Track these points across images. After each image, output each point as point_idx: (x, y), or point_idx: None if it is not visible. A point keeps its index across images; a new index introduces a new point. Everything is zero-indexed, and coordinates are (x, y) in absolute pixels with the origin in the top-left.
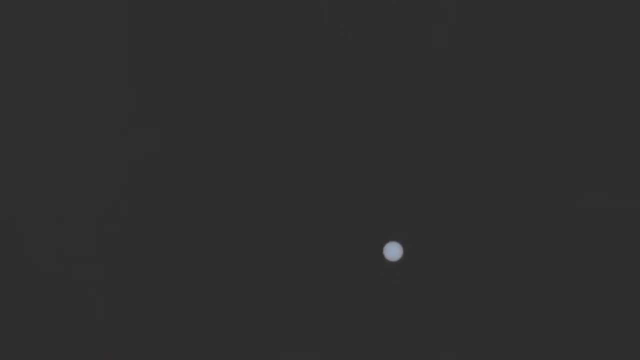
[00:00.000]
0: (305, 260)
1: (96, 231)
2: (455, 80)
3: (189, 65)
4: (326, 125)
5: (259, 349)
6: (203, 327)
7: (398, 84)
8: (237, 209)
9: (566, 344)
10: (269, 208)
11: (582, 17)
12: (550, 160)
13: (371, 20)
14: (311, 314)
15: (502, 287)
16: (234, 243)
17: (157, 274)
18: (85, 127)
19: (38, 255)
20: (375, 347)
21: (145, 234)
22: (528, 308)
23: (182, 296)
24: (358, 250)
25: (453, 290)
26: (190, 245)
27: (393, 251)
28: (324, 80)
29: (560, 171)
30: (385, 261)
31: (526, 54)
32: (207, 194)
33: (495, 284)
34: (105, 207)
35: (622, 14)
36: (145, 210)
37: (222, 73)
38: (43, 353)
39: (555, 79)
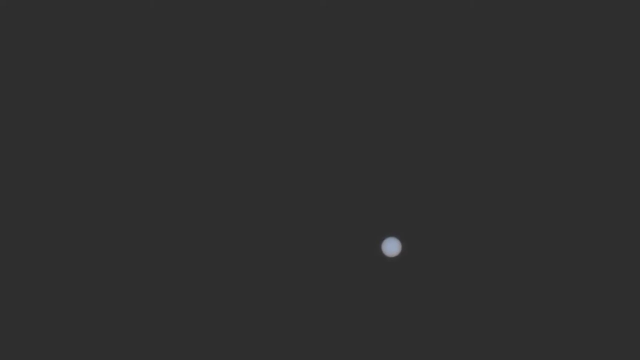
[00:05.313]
0: (304, 255)
1: (96, 231)
2: (453, 78)
3: (188, 65)
4: (325, 123)
5: (257, 347)
6: (202, 327)
7: (397, 81)
8: (234, 207)
9: (565, 342)
10: (267, 204)
11: (582, 17)
12: (547, 158)
13: (371, 19)
14: (309, 309)
15: (499, 281)
16: (230, 242)
17: (157, 274)
18: (85, 127)
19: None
20: (374, 342)
21: (144, 233)
22: (526, 305)
23: (182, 296)
24: (356, 245)
25: (451, 286)
26: (190, 239)
27: (391, 247)
28: (323, 78)
29: (557, 169)
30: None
31: (527, 54)
32: (207, 187)
33: (493, 278)
34: (105, 207)
35: (622, 14)
36: (144, 210)
37: (222, 73)
38: (43, 353)
39: (554, 80)
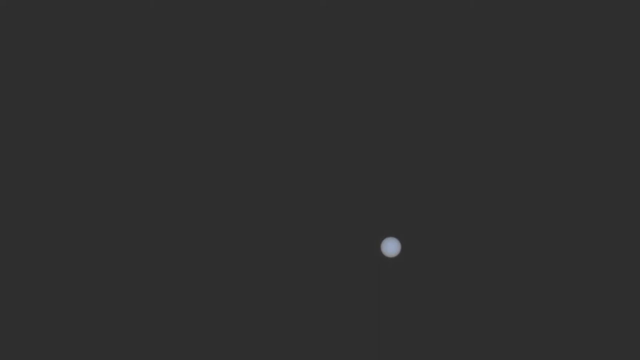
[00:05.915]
0: (304, 255)
1: (96, 231)
2: (453, 79)
3: (188, 65)
4: (325, 124)
5: (257, 347)
6: (202, 326)
7: (397, 82)
8: (234, 207)
9: (564, 342)
10: (268, 205)
11: (582, 18)
12: (545, 159)
13: (370, 20)
14: (309, 309)
15: (499, 281)
16: (230, 242)
17: (157, 274)
18: (85, 127)
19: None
20: (374, 342)
21: (144, 233)
22: (525, 304)
23: (182, 296)
24: (356, 245)
25: (451, 286)
26: (189, 239)
27: (391, 247)
28: (323, 79)
29: (556, 169)
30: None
31: (527, 54)
32: (207, 187)
33: (492, 278)
34: (105, 207)
35: (622, 14)
36: (144, 210)
37: (222, 73)
38: (43, 353)
39: (554, 80)
